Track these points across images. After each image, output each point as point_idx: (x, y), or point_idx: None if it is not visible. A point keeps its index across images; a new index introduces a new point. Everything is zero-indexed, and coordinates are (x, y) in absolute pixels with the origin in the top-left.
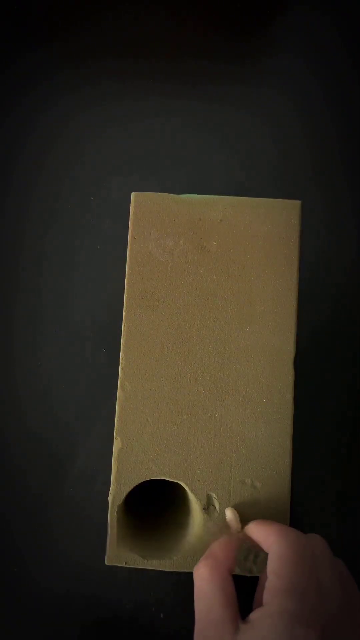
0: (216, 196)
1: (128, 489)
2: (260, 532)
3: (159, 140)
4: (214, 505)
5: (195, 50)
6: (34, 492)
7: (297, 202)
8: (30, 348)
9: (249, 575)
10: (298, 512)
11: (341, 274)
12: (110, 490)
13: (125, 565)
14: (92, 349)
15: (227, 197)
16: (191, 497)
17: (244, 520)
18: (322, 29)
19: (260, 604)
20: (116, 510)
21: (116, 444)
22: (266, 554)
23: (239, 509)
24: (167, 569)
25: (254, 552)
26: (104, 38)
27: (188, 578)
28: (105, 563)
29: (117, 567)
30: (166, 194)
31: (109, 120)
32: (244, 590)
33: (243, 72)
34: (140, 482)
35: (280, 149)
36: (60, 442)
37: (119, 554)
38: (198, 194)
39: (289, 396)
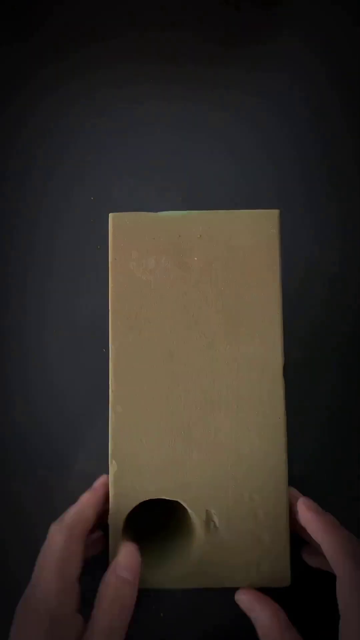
0: (194, 212)
1: (127, 511)
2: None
3: (159, 137)
4: (213, 521)
5: (193, 36)
6: (33, 489)
7: (275, 212)
8: (29, 348)
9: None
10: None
11: (325, 281)
12: (110, 513)
13: None
14: (92, 348)
15: (205, 212)
16: (190, 513)
17: (244, 531)
18: (324, 17)
19: None
20: (118, 534)
21: (112, 468)
22: None
23: (238, 521)
24: (169, 587)
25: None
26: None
27: None
28: None
29: None
30: (144, 213)
31: (108, 117)
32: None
33: (244, 58)
34: (138, 503)
35: (286, 145)
36: (60, 442)
37: None
38: (199, 191)
39: (280, 407)
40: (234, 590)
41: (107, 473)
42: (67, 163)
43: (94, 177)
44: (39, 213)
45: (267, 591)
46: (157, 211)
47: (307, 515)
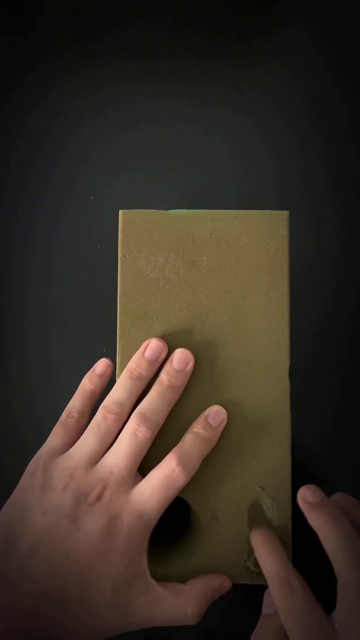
0: (204, 210)
1: None
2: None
3: (160, 135)
4: (217, 518)
5: (193, 33)
6: None
7: (285, 213)
8: (28, 348)
9: (253, 583)
10: (299, 520)
11: (331, 282)
12: None
13: None
14: (91, 348)
15: (215, 211)
16: (195, 511)
17: (247, 528)
18: (324, 11)
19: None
20: None
21: None
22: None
23: (242, 519)
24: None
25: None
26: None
27: None
28: None
29: None
30: (154, 211)
31: (107, 115)
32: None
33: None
34: None
35: (289, 146)
36: None
37: None
38: (200, 190)
39: (285, 406)
40: (235, 586)
41: None
42: (67, 162)
43: (94, 176)
44: (38, 212)
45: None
46: (159, 209)
47: (302, 506)
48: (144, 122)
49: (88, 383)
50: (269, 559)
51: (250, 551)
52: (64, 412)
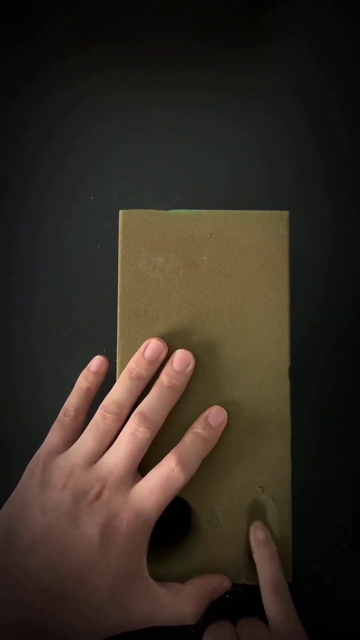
0: (204, 211)
1: None
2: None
3: (160, 139)
4: (217, 518)
5: (193, 40)
6: None
7: (285, 213)
8: (28, 348)
9: (252, 583)
10: (299, 520)
11: (330, 282)
12: None
13: None
14: (91, 348)
15: (216, 211)
16: (195, 511)
17: (247, 529)
18: (323, 19)
19: None
20: None
21: None
22: None
23: (242, 520)
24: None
25: None
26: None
27: None
28: None
29: None
30: (154, 211)
31: (108, 120)
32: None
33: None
34: None
35: (287, 149)
36: None
37: None
38: (199, 192)
39: (285, 406)
40: (235, 587)
41: None
42: (68, 162)
43: (94, 179)
44: (39, 212)
45: None
46: (159, 209)
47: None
48: (145, 124)
49: (83, 381)
50: (271, 564)
51: (250, 551)
52: (61, 411)
